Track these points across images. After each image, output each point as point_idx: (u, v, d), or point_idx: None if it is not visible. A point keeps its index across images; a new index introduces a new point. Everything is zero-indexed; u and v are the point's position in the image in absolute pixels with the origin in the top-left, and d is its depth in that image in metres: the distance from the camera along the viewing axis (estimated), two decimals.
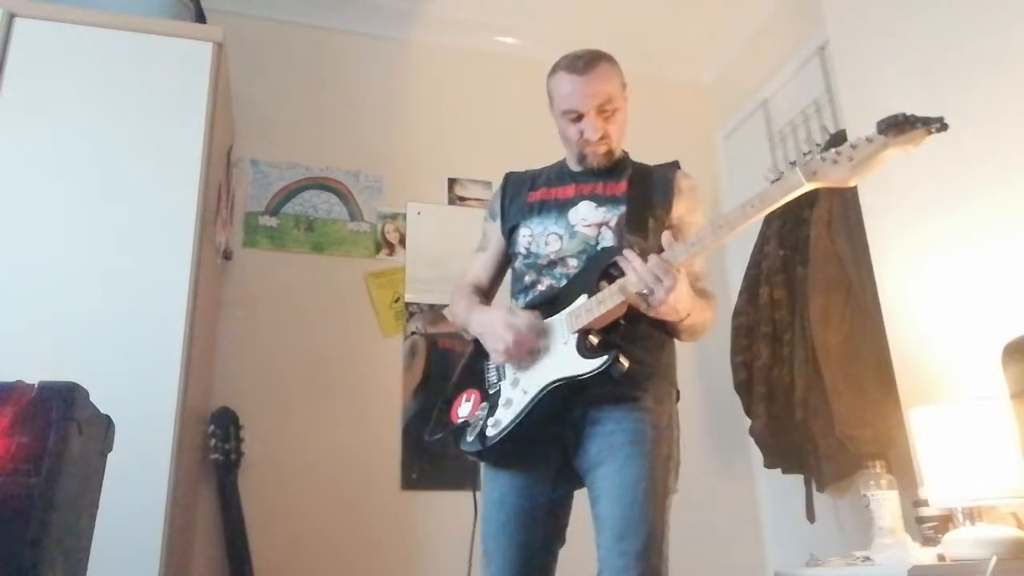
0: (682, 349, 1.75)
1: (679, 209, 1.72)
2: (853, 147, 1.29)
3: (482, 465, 1.71)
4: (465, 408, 1.67)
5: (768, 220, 2.77)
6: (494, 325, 1.61)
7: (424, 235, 3.01)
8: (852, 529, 2.36)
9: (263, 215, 2.87)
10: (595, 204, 1.70)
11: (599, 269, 1.58)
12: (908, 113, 1.25)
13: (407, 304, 2.90)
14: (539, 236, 1.72)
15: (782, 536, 2.89)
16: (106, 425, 1.29)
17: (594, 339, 1.52)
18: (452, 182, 3.12)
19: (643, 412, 1.57)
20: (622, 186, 1.71)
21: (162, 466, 1.84)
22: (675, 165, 1.79)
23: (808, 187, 1.34)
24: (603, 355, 1.49)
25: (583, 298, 1.56)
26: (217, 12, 2.73)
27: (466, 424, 1.65)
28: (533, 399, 1.55)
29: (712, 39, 3.40)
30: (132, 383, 1.86)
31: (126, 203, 2.04)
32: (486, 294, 1.86)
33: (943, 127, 1.25)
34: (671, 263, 1.46)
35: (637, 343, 1.58)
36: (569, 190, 1.75)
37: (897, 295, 2.06)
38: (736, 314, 2.81)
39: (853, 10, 2.32)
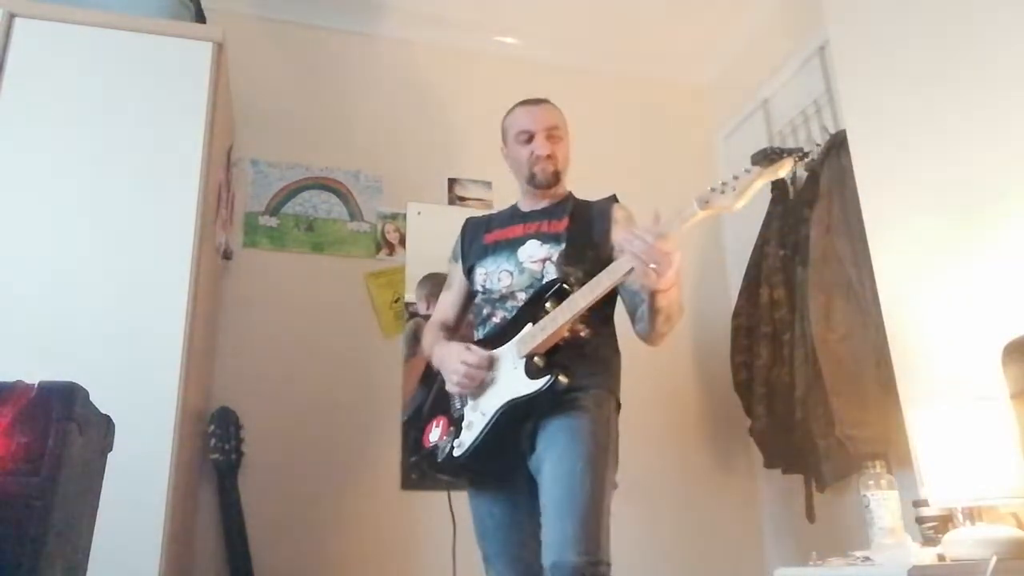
0: (682, 349, 1.76)
1: (617, 237, 1.84)
2: (735, 178, 1.55)
3: (470, 488, 1.90)
4: (435, 433, 1.85)
5: (768, 221, 2.77)
6: (450, 359, 1.81)
7: (424, 235, 3.01)
8: (852, 529, 2.36)
9: (263, 215, 2.87)
10: (540, 242, 1.91)
11: (541, 300, 1.77)
12: (775, 147, 1.56)
13: (407, 304, 2.90)
14: (492, 274, 1.93)
15: (782, 536, 2.89)
16: (106, 425, 1.29)
17: (539, 361, 1.71)
18: (452, 182, 3.12)
19: (581, 411, 1.73)
20: (564, 223, 1.91)
21: (162, 466, 1.84)
22: (612, 199, 1.99)
23: (702, 215, 1.59)
24: (546, 374, 1.67)
25: (528, 327, 1.76)
26: (217, 12, 2.73)
27: (436, 448, 1.83)
28: (490, 420, 1.72)
29: (712, 39, 3.40)
30: (132, 383, 1.85)
31: (126, 203, 2.04)
32: (453, 329, 2.07)
33: (804, 156, 1.60)
34: (667, 232, 1.59)
35: (581, 363, 1.76)
36: (518, 230, 1.97)
37: (897, 295, 2.06)
38: (736, 314, 2.82)
39: (853, 10, 2.31)
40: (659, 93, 3.53)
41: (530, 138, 1.96)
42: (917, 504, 1.81)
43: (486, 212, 2.13)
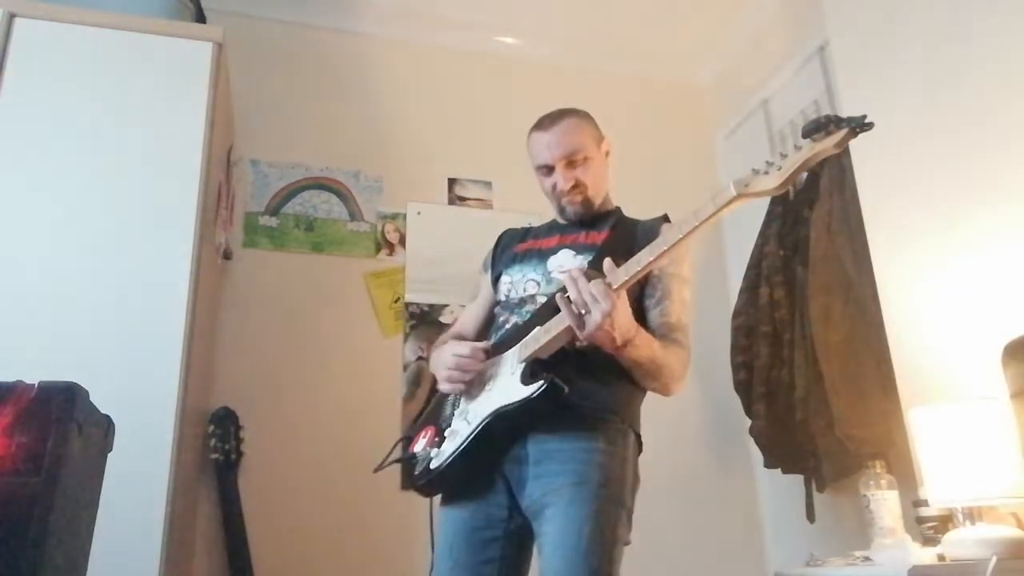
0: None
1: (661, 260, 1.58)
2: (783, 156, 1.32)
3: (439, 507, 1.70)
4: (420, 444, 1.68)
5: (768, 220, 2.77)
6: (441, 356, 1.67)
7: (424, 235, 3.01)
8: (852, 529, 2.36)
9: (263, 215, 2.87)
10: (574, 252, 1.72)
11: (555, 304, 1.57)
12: (832, 115, 1.29)
13: (407, 304, 2.90)
14: (518, 283, 1.75)
15: (782, 536, 2.89)
16: (106, 425, 1.29)
17: (538, 367, 1.51)
18: (452, 182, 3.12)
19: (591, 453, 1.52)
20: (603, 235, 1.72)
21: (162, 466, 1.84)
22: (663, 218, 1.77)
23: (740, 201, 1.36)
24: (540, 380, 1.47)
25: (536, 330, 1.55)
26: (217, 12, 2.73)
27: (414, 457, 1.67)
28: (475, 428, 1.54)
29: (712, 39, 3.40)
30: (132, 383, 1.85)
31: (126, 203, 2.04)
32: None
33: (867, 127, 1.27)
34: (610, 286, 1.41)
35: (590, 377, 1.56)
36: (553, 240, 1.78)
37: (897, 295, 2.06)
38: (736, 314, 2.81)
39: (853, 10, 2.32)
40: (659, 93, 3.53)
41: (549, 170, 1.74)
42: (917, 504, 1.82)
43: (523, 225, 1.94)
